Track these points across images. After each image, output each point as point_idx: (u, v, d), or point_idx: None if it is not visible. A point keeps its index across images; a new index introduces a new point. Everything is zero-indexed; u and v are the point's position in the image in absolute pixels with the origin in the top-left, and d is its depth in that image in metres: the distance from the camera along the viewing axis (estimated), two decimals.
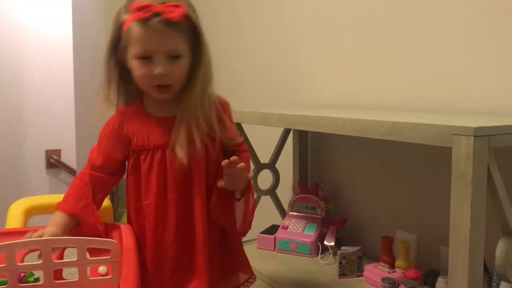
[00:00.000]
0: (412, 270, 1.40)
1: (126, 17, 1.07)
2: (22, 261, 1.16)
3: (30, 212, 1.39)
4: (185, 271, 1.15)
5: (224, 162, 1.07)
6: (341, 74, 1.80)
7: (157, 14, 1.02)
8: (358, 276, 1.52)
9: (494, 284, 1.15)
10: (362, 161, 1.74)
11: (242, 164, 1.08)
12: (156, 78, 1.07)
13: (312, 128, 1.37)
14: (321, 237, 1.73)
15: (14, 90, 4.37)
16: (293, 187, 1.90)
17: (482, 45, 1.32)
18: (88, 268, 1.14)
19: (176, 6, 1.04)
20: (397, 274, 1.42)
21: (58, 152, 4.64)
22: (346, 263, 1.52)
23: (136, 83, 1.13)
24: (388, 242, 1.53)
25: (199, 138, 1.11)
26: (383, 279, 1.36)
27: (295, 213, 1.83)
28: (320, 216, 1.79)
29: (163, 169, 1.13)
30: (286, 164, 1.96)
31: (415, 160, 1.53)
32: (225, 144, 1.19)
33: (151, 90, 1.11)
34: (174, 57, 1.07)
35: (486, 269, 1.16)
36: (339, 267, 1.52)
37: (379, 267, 1.47)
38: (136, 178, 1.16)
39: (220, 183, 1.11)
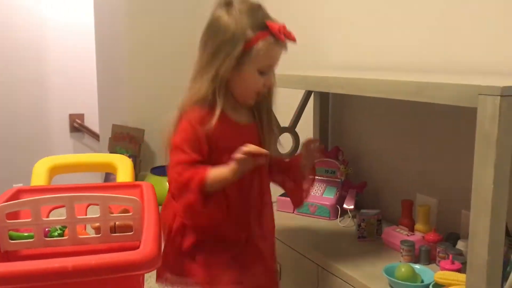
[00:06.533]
0: (432, 233, 1.40)
1: (254, 34, 1.15)
2: (47, 216, 1.20)
3: (54, 171, 1.42)
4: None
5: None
6: (363, 36, 1.76)
7: (286, 36, 1.18)
8: (377, 239, 1.52)
9: None
10: (382, 125, 1.72)
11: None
12: (263, 88, 1.22)
13: (333, 90, 1.36)
14: (340, 201, 1.73)
15: (38, 56, 4.41)
16: None
17: (509, 4, 1.27)
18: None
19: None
20: (416, 237, 1.42)
21: (81, 116, 4.70)
22: (365, 226, 1.52)
23: (233, 90, 1.21)
24: (408, 205, 1.53)
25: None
26: (402, 242, 1.36)
27: None
28: (339, 180, 1.79)
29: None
30: (307, 127, 1.95)
31: (437, 123, 1.51)
32: None
33: (250, 97, 1.23)
34: None
35: (507, 233, 1.14)
36: (358, 230, 1.53)
37: (398, 230, 1.47)
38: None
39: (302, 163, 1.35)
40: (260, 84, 1.20)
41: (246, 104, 1.24)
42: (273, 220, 1.35)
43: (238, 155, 1.11)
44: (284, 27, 1.17)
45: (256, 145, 1.15)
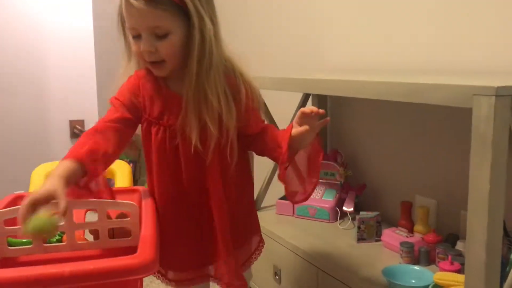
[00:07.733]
0: (431, 234, 1.40)
1: None
2: None
3: None
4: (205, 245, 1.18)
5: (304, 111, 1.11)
6: (360, 38, 1.76)
7: None
8: (376, 240, 1.52)
9: None
10: (381, 127, 1.72)
11: (321, 111, 1.09)
12: (145, 55, 1.06)
13: (331, 92, 1.36)
14: (340, 203, 1.73)
15: (37, 62, 4.42)
16: None
17: (504, 3, 1.27)
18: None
19: None
20: (416, 238, 1.42)
21: (81, 122, 4.71)
22: (365, 228, 1.52)
23: None
24: (407, 207, 1.53)
25: (211, 118, 1.07)
26: (402, 243, 1.36)
27: None
28: (339, 182, 1.79)
29: (175, 148, 1.12)
30: None
31: (435, 124, 1.51)
32: (241, 127, 1.15)
33: (147, 65, 1.10)
34: (162, 34, 1.04)
35: (506, 233, 1.14)
36: (357, 232, 1.52)
37: (397, 231, 1.47)
38: (148, 148, 1.16)
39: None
40: (138, 51, 1.06)
41: (154, 73, 1.10)
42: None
43: None
44: None
45: (177, 115, 1.07)
